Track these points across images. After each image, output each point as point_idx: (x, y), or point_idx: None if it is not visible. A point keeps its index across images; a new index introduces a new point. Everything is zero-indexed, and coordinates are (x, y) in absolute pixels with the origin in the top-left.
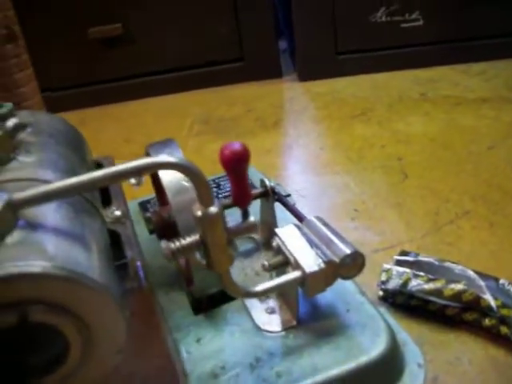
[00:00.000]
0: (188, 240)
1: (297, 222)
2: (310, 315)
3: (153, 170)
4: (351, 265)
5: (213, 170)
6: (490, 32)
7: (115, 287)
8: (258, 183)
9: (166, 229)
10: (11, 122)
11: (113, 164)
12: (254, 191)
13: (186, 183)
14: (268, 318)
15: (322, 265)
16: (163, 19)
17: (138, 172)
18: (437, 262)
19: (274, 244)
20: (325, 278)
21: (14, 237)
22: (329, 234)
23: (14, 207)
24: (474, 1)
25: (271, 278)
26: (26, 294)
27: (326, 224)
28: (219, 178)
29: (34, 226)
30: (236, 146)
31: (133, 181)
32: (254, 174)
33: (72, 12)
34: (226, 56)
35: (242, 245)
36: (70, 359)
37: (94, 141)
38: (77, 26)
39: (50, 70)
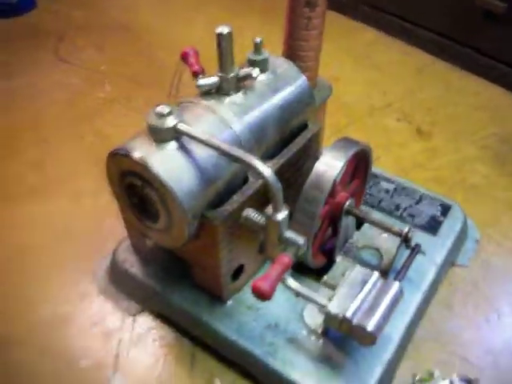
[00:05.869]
0: (254, 217)
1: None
2: None
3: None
4: (362, 336)
5: None
6: None
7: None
8: None
9: None
10: (245, 72)
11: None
12: (394, 228)
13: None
14: None
15: (341, 315)
16: None
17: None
18: None
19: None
20: (339, 325)
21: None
22: (383, 305)
23: (176, 132)
24: None
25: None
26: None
27: (395, 299)
28: None
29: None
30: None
31: None
32: None
33: None
34: None
35: (367, 254)
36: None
37: None
38: None
39: None
